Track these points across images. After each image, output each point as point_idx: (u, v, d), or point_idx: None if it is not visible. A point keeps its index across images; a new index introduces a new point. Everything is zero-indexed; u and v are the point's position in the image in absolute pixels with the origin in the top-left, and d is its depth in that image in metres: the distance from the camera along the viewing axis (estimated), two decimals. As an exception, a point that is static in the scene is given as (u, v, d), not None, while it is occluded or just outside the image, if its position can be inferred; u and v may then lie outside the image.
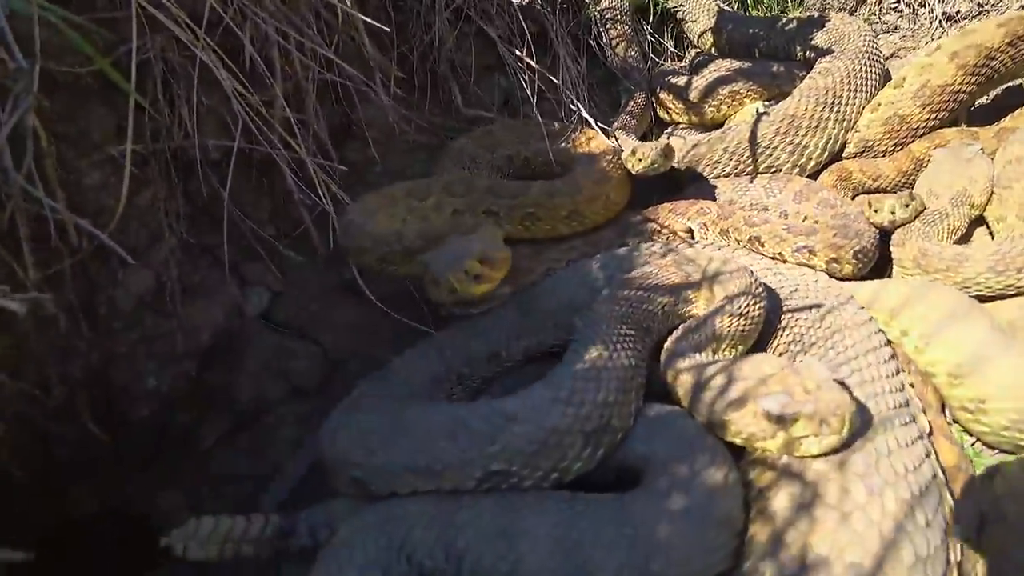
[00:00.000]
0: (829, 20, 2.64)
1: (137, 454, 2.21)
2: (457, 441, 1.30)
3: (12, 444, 1.82)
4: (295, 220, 2.36)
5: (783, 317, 1.77)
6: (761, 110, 2.53)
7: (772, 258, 2.08)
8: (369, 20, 2.17)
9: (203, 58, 1.81)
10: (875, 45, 2.46)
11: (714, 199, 2.39)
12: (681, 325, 1.65)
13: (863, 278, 2.02)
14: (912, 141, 2.28)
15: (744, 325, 1.59)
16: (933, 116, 2.23)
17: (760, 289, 1.68)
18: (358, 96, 2.40)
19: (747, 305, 1.61)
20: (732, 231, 2.16)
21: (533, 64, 2.70)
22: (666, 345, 1.59)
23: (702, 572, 1.14)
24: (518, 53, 2.76)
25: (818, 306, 1.78)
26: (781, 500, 1.20)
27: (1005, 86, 2.48)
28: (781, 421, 1.23)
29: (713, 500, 1.20)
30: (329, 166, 2.16)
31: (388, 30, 2.28)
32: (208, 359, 2.15)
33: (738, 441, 1.32)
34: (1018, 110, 2.23)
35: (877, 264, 2.09)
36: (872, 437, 1.26)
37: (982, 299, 1.76)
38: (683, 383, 1.44)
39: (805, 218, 2.21)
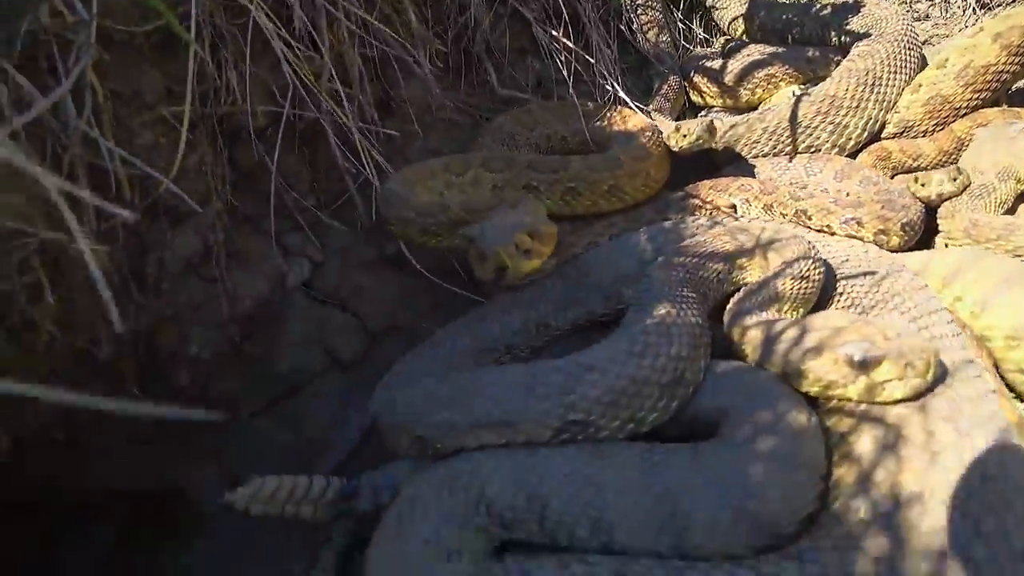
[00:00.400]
0: (864, 5, 2.66)
1: (175, 424, 2.19)
2: (534, 392, 1.29)
3: (56, 405, 1.79)
4: (335, 192, 2.36)
5: (839, 284, 1.76)
6: (798, 93, 2.54)
7: (819, 231, 2.08)
8: (414, -7, 2.18)
9: (258, 20, 1.80)
10: (913, 28, 2.48)
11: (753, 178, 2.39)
12: (742, 288, 1.65)
13: (908, 251, 2.03)
14: (953, 121, 2.29)
15: (805, 288, 1.59)
16: (976, 96, 2.25)
17: (817, 253, 1.68)
18: (400, 70, 2.40)
19: (807, 268, 1.61)
20: (777, 206, 2.16)
21: (570, 45, 2.71)
22: (729, 306, 1.59)
23: (796, 512, 1.13)
24: (555, 33, 2.77)
25: (872, 273, 1.78)
26: (865, 443, 1.20)
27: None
28: (864, 366, 1.22)
29: (799, 442, 1.19)
30: (374, 132, 2.15)
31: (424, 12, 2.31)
32: (248, 329, 2.13)
33: (815, 390, 1.31)
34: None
35: (921, 238, 2.10)
36: (950, 384, 1.25)
37: (1032, 268, 1.76)
38: (752, 338, 1.43)
39: (847, 195, 2.21)
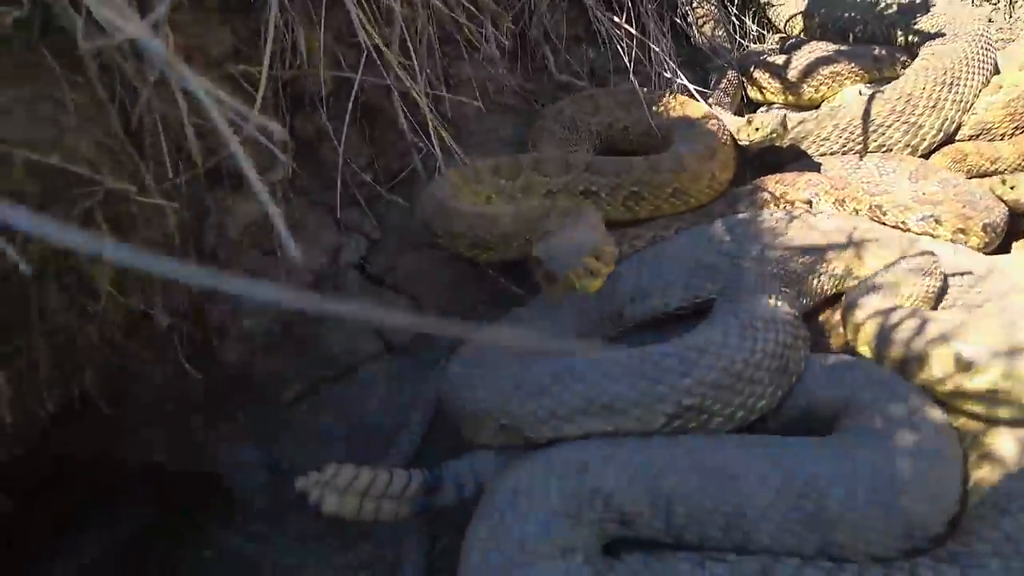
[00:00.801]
0: (935, 4, 2.60)
1: (218, 402, 2.09)
2: (645, 375, 1.20)
3: (102, 371, 1.69)
4: (393, 171, 2.27)
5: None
6: (864, 91, 2.48)
7: (894, 227, 2.00)
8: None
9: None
10: (989, 29, 2.42)
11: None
12: (856, 282, 1.58)
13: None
14: (1034, 124, 2.23)
15: (929, 285, 1.51)
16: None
17: (926, 248, 1.60)
18: (466, 48, 2.32)
19: (931, 265, 1.54)
20: (850, 200, 2.08)
21: (632, 31, 2.64)
22: (844, 299, 1.51)
23: (946, 510, 1.05)
24: (616, 19, 2.70)
25: (970, 272, 1.70)
26: (1006, 443, 1.11)
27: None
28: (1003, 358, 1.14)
29: (942, 436, 1.11)
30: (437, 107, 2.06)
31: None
32: (300, 313, 2.04)
33: (936, 374, 1.23)
34: None
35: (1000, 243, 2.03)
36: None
37: None
38: (868, 327, 1.35)
39: (924, 193, 2.14)
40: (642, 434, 1.21)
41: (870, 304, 1.40)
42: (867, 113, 2.30)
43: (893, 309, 1.35)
